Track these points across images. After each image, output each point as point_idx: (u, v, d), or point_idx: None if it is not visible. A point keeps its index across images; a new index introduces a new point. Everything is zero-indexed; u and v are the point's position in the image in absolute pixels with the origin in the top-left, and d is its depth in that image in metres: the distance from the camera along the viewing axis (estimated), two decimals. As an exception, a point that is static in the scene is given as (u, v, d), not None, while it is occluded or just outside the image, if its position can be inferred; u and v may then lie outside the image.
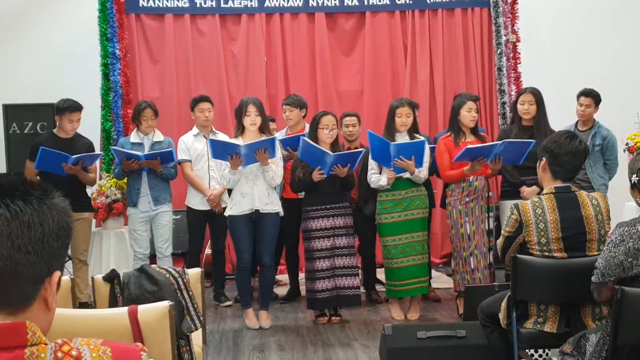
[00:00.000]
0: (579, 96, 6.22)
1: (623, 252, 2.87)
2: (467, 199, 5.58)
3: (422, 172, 5.59)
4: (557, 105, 6.38)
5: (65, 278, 3.13)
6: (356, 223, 5.91)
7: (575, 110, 6.29)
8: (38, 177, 5.55)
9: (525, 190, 5.64)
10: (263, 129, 5.53)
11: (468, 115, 5.63)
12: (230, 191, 5.81)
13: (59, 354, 1.19)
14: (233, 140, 5.50)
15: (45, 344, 1.20)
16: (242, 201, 5.47)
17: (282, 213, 5.64)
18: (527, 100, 5.80)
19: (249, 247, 5.56)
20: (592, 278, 2.99)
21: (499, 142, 5.46)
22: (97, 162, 6.41)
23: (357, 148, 6.03)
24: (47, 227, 1.23)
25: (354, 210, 5.95)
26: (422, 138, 5.73)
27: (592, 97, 6.18)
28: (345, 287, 5.65)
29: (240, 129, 5.53)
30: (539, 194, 4.30)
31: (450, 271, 6.74)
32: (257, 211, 5.47)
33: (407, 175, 5.58)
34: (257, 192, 5.47)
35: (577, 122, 6.29)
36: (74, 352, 1.20)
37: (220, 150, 5.42)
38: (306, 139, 5.52)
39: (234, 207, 5.50)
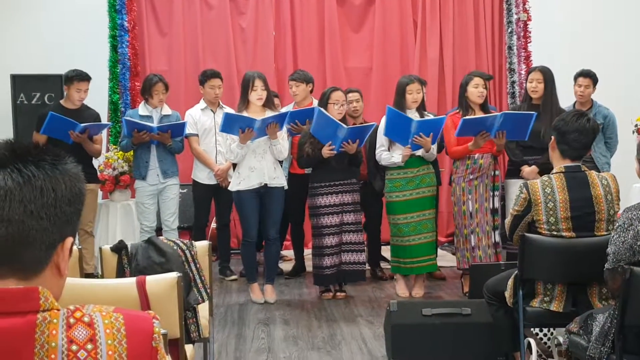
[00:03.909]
0: (576, 77, 6.20)
1: (632, 236, 2.86)
2: (471, 177, 5.58)
3: (434, 150, 5.61)
4: (567, 84, 6.33)
5: (74, 248, 3.13)
6: (363, 199, 5.91)
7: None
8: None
9: (525, 169, 5.62)
10: (267, 103, 5.52)
11: (475, 91, 5.61)
12: (234, 166, 5.79)
13: (71, 320, 1.19)
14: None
15: (58, 310, 1.20)
16: (251, 175, 5.46)
17: (286, 187, 5.65)
18: (535, 78, 5.77)
19: (256, 222, 5.57)
20: (605, 265, 2.97)
21: (498, 113, 5.42)
22: (104, 133, 6.40)
23: (362, 124, 6.00)
24: (59, 193, 1.22)
25: (361, 186, 5.94)
26: (430, 115, 5.71)
27: (590, 77, 6.15)
28: (350, 263, 5.65)
29: (245, 104, 5.51)
30: (540, 174, 4.29)
31: (454, 249, 6.74)
32: (265, 185, 5.47)
33: (418, 152, 5.57)
34: (266, 166, 5.47)
35: (575, 102, 6.26)
36: (86, 319, 1.20)
37: (234, 124, 5.36)
38: (321, 109, 5.50)
39: (242, 182, 5.49)
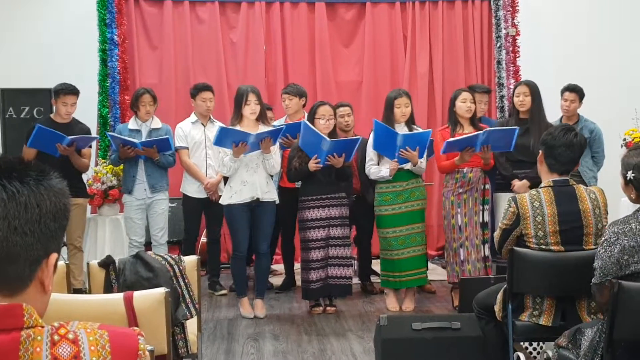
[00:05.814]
0: (563, 91, 6.24)
1: (618, 250, 2.87)
2: (460, 190, 5.59)
3: (423, 164, 5.61)
4: (555, 99, 6.37)
5: (61, 263, 3.11)
6: (355, 213, 5.90)
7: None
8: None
9: (515, 183, 5.63)
10: (260, 117, 5.52)
11: (463, 105, 5.63)
12: (225, 179, 5.78)
13: (56, 337, 1.18)
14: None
15: (42, 327, 1.19)
16: (243, 189, 5.45)
17: (277, 201, 5.64)
18: (522, 92, 5.80)
19: (247, 236, 5.55)
20: (592, 280, 2.98)
21: (480, 132, 5.45)
22: (93, 147, 6.37)
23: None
24: (44, 209, 1.21)
25: (354, 200, 5.93)
26: (419, 129, 5.72)
27: (576, 92, 6.19)
28: (336, 277, 5.65)
29: (239, 118, 5.50)
30: (531, 187, 4.29)
31: (445, 263, 6.74)
32: (257, 199, 5.46)
33: (407, 166, 5.57)
34: (258, 180, 5.46)
35: (562, 117, 6.29)
36: (70, 335, 1.19)
37: (228, 138, 5.34)
38: (307, 122, 5.51)
39: (234, 196, 5.47)
